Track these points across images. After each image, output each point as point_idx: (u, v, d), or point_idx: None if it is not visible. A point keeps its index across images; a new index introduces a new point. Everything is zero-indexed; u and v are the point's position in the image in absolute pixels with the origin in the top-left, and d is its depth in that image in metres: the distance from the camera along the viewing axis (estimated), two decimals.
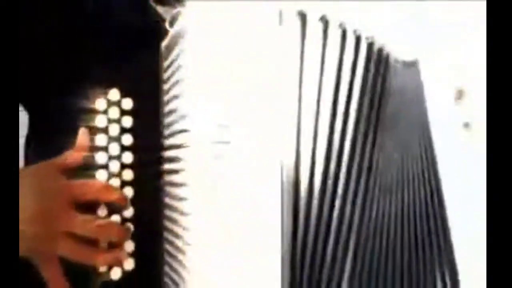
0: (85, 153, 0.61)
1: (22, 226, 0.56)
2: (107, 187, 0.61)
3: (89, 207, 0.60)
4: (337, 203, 0.52)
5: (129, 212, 0.61)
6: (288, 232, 0.50)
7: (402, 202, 0.57)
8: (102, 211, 0.61)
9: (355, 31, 0.54)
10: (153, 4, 0.67)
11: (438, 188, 0.61)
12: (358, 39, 0.54)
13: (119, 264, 0.60)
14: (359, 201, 0.52)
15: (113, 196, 0.60)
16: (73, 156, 0.61)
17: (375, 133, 0.53)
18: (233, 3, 0.52)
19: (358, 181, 0.53)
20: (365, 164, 0.53)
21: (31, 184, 0.60)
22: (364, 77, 0.52)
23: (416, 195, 0.59)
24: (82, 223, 0.59)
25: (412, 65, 0.62)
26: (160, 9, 0.67)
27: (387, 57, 0.55)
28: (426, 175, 0.61)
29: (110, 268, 0.61)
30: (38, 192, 0.59)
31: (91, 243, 0.59)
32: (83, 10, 0.64)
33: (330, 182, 0.52)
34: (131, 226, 0.61)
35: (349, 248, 0.52)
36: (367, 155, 0.53)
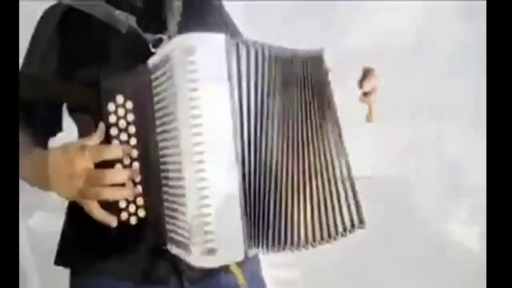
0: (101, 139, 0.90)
1: (64, 184, 0.87)
2: (114, 148, 0.89)
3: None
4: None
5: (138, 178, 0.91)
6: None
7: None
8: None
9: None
10: (142, 33, 0.96)
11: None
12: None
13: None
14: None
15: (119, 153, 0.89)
16: (93, 140, 0.90)
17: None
18: None
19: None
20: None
21: (65, 156, 0.89)
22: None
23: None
24: (104, 176, 0.87)
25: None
26: (146, 35, 0.97)
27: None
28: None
29: (129, 216, 0.91)
30: (70, 161, 0.87)
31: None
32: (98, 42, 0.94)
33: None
34: (140, 188, 0.91)
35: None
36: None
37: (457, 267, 2.12)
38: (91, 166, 0.88)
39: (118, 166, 0.90)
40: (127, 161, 0.91)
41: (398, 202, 2.19)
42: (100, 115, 0.90)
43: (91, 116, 0.96)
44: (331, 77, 0.91)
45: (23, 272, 1.91)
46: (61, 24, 1.05)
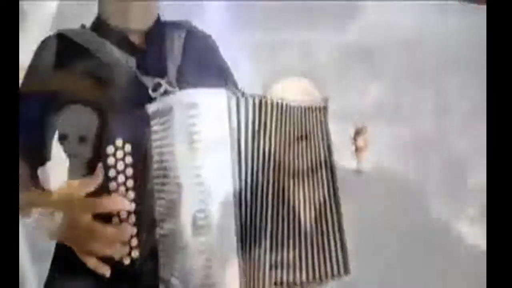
0: (100, 181, 0.92)
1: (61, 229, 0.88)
2: (113, 199, 0.92)
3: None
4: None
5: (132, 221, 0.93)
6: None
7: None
8: (114, 220, 0.92)
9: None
10: (141, 77, 0.99)
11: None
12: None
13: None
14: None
15: (119, 206, 0.91)
16: (91, 182, 0.92)
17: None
18: None
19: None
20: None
21: (64, 206, 0.91)
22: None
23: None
24: (102, 230, 0.89)
25: None
26: (145, 79, 0.99)
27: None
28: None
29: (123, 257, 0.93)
30: (69, 206, 0.90)
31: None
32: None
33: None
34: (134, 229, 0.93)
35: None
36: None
37: (460, 263, 2.15)
38: (89, 219, 0.90)
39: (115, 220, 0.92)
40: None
41: (402, 199, 2.22)
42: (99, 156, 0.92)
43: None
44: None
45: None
46: (60, 56, 1.07)
